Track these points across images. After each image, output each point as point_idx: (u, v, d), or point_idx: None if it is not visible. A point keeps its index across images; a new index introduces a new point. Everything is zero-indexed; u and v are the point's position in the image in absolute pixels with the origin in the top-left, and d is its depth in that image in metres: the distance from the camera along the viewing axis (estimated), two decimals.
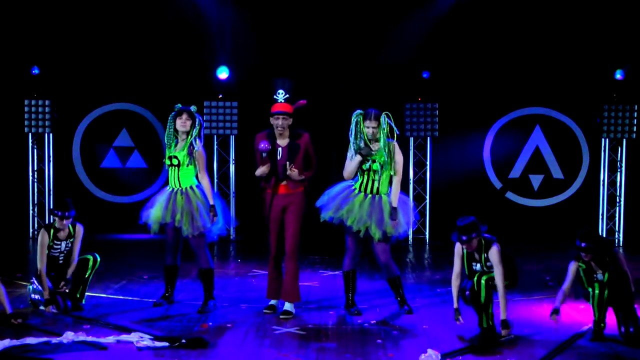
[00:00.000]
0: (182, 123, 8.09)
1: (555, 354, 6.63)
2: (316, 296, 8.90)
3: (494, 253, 7.18)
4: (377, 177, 7.86)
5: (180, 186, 8.12)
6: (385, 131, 7.84)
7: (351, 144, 7.87)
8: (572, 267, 7.31)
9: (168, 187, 8.22)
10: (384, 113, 7.87)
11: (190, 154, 8.06)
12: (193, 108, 8.19)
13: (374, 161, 7.84)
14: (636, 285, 7.36)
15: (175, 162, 8.09)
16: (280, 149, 7.88)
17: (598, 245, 7.14)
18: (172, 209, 8.04)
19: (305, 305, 8.32)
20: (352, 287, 8.10)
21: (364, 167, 7.86)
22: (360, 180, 7.92)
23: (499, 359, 6.50)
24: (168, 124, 8.14)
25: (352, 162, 7.87)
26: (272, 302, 8.03)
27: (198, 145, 8.08)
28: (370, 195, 7.89)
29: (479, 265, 7.34)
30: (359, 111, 7.90)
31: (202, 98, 13.13)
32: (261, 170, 7.85)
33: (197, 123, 8.13)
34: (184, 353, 6.55)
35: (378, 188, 7.90)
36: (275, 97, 7.89)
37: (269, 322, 7.63)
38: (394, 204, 7.86)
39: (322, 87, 13.51)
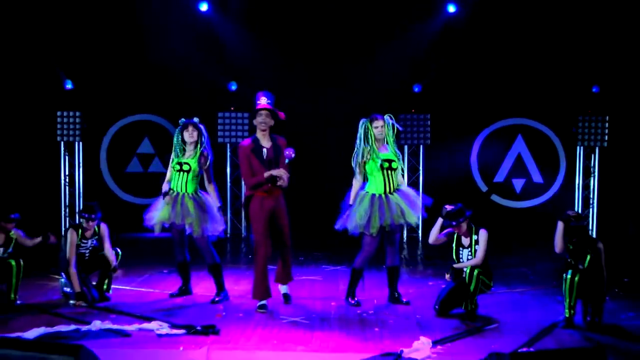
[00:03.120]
0: (189, 135, 8.13)
1: (535, 340, 6.65)
2: (320, 289, 8.93)
3: (483, 234, 7.49)
4: (394, 174, 7.85)
5: (186, 190, 8.12)
6: (391, 130, 7.89)
7: (359, 150, 7.82)
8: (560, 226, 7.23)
9: (172, 192, 8.15)
10: (387, 115, 7.92)
11: (202, 163, 8.10)
12: (196, 119, 8.23)
13: (392, 161, 7.83)
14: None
15: (186, 167, 8.10)
16: (265, 149, 7.71)
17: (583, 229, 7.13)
18: (181, 212, 8.01)
19: (310, 297, 8.34)
20: (357, 283, 8.11)
21: (384, 166, 7.80)
22: (381, 183, 7.82)
23: (483, 345, 6.51)
24: (175, 135, 8.17)
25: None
26: (263, 302, 7.72)
27: (207, 156, 8.13)
28: (394, 192, 7.86)
29: (466, 251, 7.47)
30: (365, 119, 7.90)
31: (216, 109, 13.18)
32: (278, 172, 7.53)
33: (203, 133, 8.18)
34: (199, 339, 6.59)
35: (395, 182, 7.90)
36: (257, 102, 7.78)
37: (277, 312, 7.66)
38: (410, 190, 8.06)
39: (323, 100, 13.54)
